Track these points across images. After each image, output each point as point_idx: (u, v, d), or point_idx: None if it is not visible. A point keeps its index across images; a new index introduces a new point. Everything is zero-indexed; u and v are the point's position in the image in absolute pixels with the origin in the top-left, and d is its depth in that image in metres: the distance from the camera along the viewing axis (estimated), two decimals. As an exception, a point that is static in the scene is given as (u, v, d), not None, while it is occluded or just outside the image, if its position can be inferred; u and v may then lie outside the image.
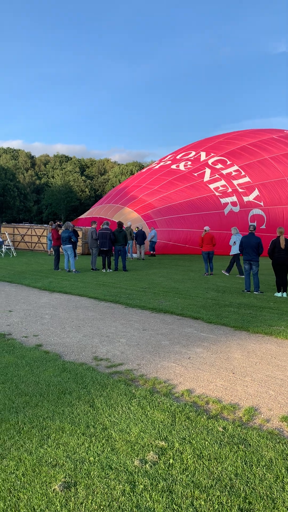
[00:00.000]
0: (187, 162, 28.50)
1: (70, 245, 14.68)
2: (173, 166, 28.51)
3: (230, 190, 26.36)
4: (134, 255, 21.57)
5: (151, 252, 22.80)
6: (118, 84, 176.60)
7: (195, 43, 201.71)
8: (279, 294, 10.48)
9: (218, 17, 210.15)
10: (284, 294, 10.39)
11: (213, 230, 24.86)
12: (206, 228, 15.43)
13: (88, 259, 19.18)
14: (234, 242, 14.70)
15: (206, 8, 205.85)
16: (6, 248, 21.64)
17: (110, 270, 15.36)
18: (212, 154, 28.65)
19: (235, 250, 14.65)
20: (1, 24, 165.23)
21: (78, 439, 3.29)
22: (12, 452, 3.11)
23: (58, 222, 20.62)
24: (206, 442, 3.26)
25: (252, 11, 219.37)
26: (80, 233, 22.06)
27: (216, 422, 3.59)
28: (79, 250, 21.66)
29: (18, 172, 75.84)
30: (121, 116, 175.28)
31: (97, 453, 3.10)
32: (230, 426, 3.53)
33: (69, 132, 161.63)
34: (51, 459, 3.02)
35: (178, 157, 30.12)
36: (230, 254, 15.12)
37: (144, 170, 31.98)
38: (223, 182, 26.57)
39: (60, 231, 16.10)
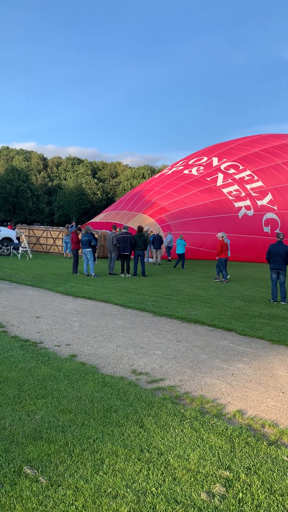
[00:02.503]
0: (200, 167, 28.43)
1: (90, 249, 14.50)
2: (186, 171, 28.46)
3: (243, 194, 26.19)
4: (150, 260, 21.36)
5: (168, 257, 22.56)
6: (130, 88, 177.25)
7: (208, 48, 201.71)
8: (307, 305, 10.19)
9: (231, 22, 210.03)
10: None
11: (228, 233, 24.67)
12: (224, 234, 15.13)
13: (104, 263, 18.99)
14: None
15: (218, 13, 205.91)
16: (23, 250, 21.54)
17: (129, 275, 15.15)
18: (224, 160, 28.55)
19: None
20: (17, 25, 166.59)
21: (134, 466, 3.06)
22: (67, 478, 2.89)
23: (79, 225, 20.46)
24: (274, 474, 3.01)
25: (265, 17, 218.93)
26: (96, 236, 21.91)
27: (278, 450, 3.35)
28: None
29: (30, 173, 76.15)
30: (133, 120, 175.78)
31: (159, 483, 2.87)
32: (295, 455, 3.28)
33: (82, 135, 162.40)
34: (110, 489, 2.80)
35: (190, 162, 30.05)
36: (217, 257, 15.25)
37: (156, 176, 31.94)
38: (236, 187, 26.42)
39: (80, 235, 15.93)
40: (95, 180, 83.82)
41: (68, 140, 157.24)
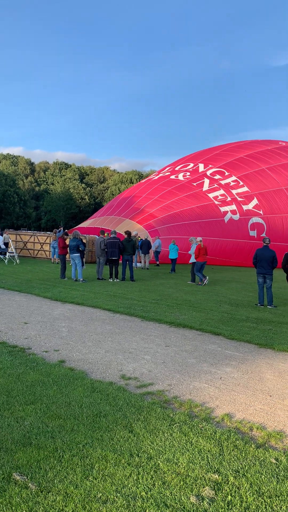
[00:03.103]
0: (186, 173, 28.76)
1: (78, 254, 14.47)
2: (172, 177, 28.78)
3: (229, 199, 26.51)
4: (139, 265, 21.38)
5: (156, 262, 22.60)
6: (119, 94, 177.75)
7: (195, 55, 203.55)
8: (294, 309, 10.31)
9: (218, 30, 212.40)
10: None
11: (214, 237, 24.99)
12: (200, 238, 15.47)
13: (93, 268, 18.96)
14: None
15: (206, 21, 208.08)
16: (10, 255, 21.39)
17: (117, 280, 15.15)
18: (210, 166, 28.94)
19: (194, 259, 15.21)
20: (4, 31, 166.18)
21: (124, 470, 3.08)
22: (56, 484, 2.89)
23: (66, 230, 20.39)
24: (263, 476, 3.05)
25: (252, 25, 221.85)
26: (84, 241, 21.87)
27: (266, 452, 3.39)
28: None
29: (17, 178, 75.73)
30: (121, 125, 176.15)
31: (148, 487, 2.89)
32: (282, 457, 3.32)
33: (70, 140, 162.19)
34: (100, 494, 2.81)
35: (176, 168, 30.36)
36: (190, 262, 15.66)
37: (143, 181, 32.14)
38: (222, 192, 26.75)
39: (67, 240, 15.90)
40: (83, 185, 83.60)
41: (56, 145, 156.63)
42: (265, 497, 2.82)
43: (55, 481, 2.93)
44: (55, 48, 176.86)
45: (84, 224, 29.12)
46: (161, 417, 3.94)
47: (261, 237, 25.35)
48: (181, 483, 2.95)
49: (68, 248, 15.03)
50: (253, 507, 2.72)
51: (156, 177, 30.36)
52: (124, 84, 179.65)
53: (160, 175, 30.54)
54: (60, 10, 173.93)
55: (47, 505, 2.67)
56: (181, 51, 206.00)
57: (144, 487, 2.89)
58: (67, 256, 15.59)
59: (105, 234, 15.83)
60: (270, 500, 2.79)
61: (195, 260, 15.05)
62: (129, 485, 2.91)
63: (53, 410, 4.03)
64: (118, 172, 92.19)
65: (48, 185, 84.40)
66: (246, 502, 2.77)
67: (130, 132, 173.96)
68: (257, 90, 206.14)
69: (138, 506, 2.70)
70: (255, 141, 32.98)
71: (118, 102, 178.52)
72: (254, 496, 2.83)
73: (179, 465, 3.17)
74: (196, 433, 3.66)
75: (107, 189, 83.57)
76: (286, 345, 6.75)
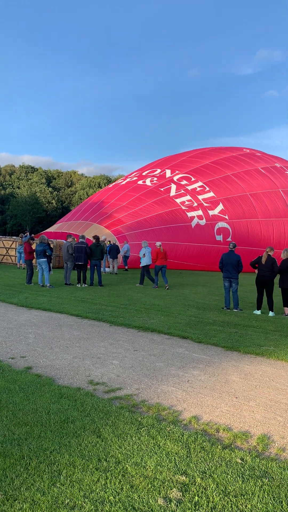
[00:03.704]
0: (153, 178, 29.13)
1: (45, 259, 14.30)
2: (140, 182, 29.02)
3: (195, 204, 26.97)
4: (107, 270, 21.33)
5: (125, 266, 22.62)
6: (86, 98, 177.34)
7: (164, 62, 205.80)
8: (258, 312, 10.55)
9: (187, 39, 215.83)
10: (271, 313, 10.46)
11: (182, 242, 25.32)
12: (159, 243, 16.01)
13: (60, 273, 18.78)
14: (144, 255, 16.07)
15: (175, 28, 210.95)
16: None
17: (85, 285, 15.06)
18: (177, 172, 29.42)
19: (144, 262, 16.05)
20: None
21: (92, 475, 3.07)
22: (23, 492, 2.85)
23: (32, 235, 20.09)
24: (228, 476, 3.12)
25: (220, 34, 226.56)
26: (51, 245, 21.62)
27: (232, 453, 3.46)
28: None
29: (-18, 181, 74.09)
30: (89, 130, 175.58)
31: (116, 492, 2.89)
32: (247, 457, 3.40)
33: (37, 144, 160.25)
34: (68, 500, 2.79)
35: (144, 173, 30.64)
36: (140, 266, 16.36)
37: (111, 185, 32.22)
38: (188, 197, 27.21)
39: (34, 244, 15.68)
40: (50, 189, 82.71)
41: (22, 149, 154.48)
42: (231, 497, 2.88)
43: (22, 489, 2.89)
44: (21, 51, 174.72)
45: (51, 229, 28.84)
46: (129, 421, 3.96)
47: (227, 241, 25.89)
48: (149, 486, 2.97)
49: (34, 253, 14.84)
50: (220, 506, 2.78)
51: (123, 182, 30.49)
52: (92, 89, 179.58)
53: (128, 180, 30.71)
54: (27, 14, 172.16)
55: (13, 513, 2.64)
56: (150, 58, 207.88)
57: (112, 491, 2.89)
58: (34, 261, 15.38)
59: (71, 238, 15.69)
60: (236, 499, 2.85)
61: (146, 263, 15.94)
62: (97, 490, 2.90)
63: (19, 417, 3.97)
64: (86, 176, 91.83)
65: (13, 188, 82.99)
66: (212, 502, 2.82)
67: (98, 136, 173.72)
68: (224, 98, 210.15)
69: (106, 510, 2.70)
70: (221, 148, 33.70)
71: (86, 107, 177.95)
72: (221, 496, 2.89)
73: (147, 468, 3.19)
74: (164, 436, 3.69)
75: (75, 193, 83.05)
76: (252, 347, 6.90)
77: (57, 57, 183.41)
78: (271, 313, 10.43)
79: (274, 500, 2.85)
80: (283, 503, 2.82)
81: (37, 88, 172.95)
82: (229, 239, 26.30)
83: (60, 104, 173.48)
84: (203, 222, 26.48)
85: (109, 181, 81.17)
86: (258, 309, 10.65)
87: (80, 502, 2.77)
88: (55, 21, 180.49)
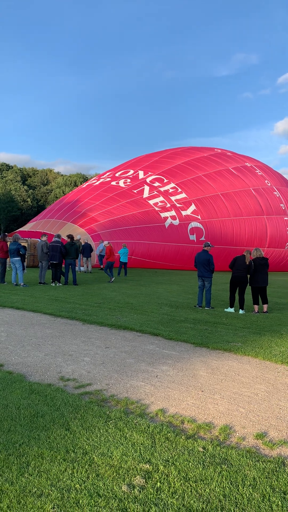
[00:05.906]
0: (127, 180, 29.39)
1: (19, 258, 14.25)
2: (113, 183, 29.26)
3: (168, 205, 27.37)
4: (82, 268, 21.35)
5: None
6: (64, 96, 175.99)
7: (142, 63, 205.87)
8: (231, 310, 10.83)
9: (164, 41, 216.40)
10: (241, 311, 10.74)
11: (156, 242, 25.64)
12: (106, 242, 18.34)
13: (35, 272, 18.72)
14: (101, 250, 18.62)
15: (153, 30, 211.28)
16: None
17: (60, 284, 15.07)
18: (150, 173, 29.75)
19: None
20: None
21: (60, 466, 3.19)
22: (-9, 483, 2.95)
23: (6, 233, 19.93)
24: (190, 464, 3.28)
25: (197, 35, 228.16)
26: (25, 244, 21.49)
27: (195, 442, 3.63)
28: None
29: None
30: (67, 128, 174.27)
31: (82, 480, 3.02)
32: (209, 446, 3.58)
33: (14, 142, 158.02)
34: (35, 489, 2.90)
35: (117, 174, 30.82)
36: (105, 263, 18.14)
37: (84, 185, 32.25)
38: (161, 198, 27.60)
39: (8, 243, 15.58)
40: (25, 187, 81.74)
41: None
42: (191, 482, 3.05)
43: (-10, 480, 2.98)
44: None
45: (26, 228, 28.66)
46: (98, 415, 4.09)
47: (200, 240, 26.33)
48: (114, 474, 3.11)
49: (8, 252, 14.75)
50: (180, 491, 2.94)
51: (97, 182, 30.57)
52: (70, 87, 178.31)
53: (101, 180, 30.80)
54: (2, 9, 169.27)
55: (-19, 502, 2.73)
56: (128, 58, 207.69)
57: (79, 480, 3.02)
58: (8, 260, 15.29)
59: (45, 237, 15.68)
60: (195, 484, 3.02)
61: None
62: (64, 479, 3.03)
63: (-11, 412, 4.04)
64: (62, 175, 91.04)
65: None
66: (173, 487, 2.98)
67: (77, 135, 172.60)
68: (200, 98, 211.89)
69: (72, 497, 2.83)
70: (192, 148, 34.16)
71: (64, 105, 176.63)
72: (181, 481, 3.05)
73: (113, 458, 3.33)
74: (131, 428, 3.84)
75: (51, 192, 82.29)
76: (220, 343, 7.12)
77: (35, 54, 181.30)
78: (241, 311, 10.72)
79: (231, 484, 3.04)
80: (239, 486, 3.01)
81: (15, 85, 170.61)
82: (203, 238, 26.74)
83: (38, 102, 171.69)
84: (176, 222, 26.84)
85: (85, 179, 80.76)
86: (231, 307, 10.93)
87: (47, 491, 2.89)
88: (34, 18, 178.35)
